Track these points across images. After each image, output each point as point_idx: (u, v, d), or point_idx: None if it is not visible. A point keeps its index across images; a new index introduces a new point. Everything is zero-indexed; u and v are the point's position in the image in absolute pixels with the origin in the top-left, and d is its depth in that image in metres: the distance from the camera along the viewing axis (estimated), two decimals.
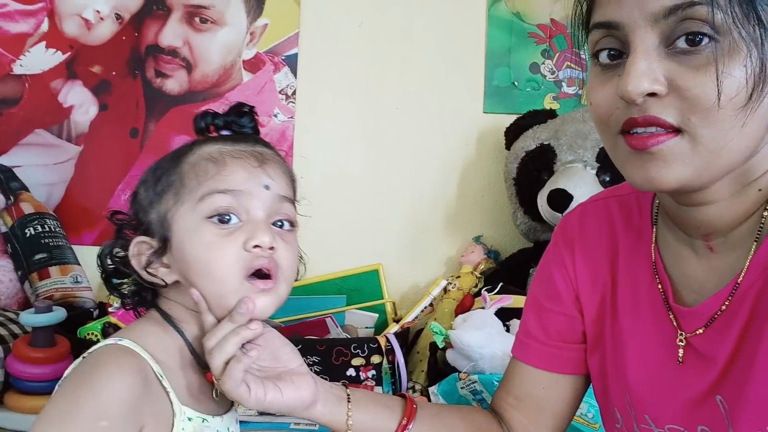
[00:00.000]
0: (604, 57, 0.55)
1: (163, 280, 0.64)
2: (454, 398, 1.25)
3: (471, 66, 1.67)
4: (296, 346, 1.27)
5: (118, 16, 1.68)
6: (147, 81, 1.68)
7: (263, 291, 0.62)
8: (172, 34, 1.67)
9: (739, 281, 0.56)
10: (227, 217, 0.62)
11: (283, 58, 1.68)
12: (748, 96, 0.49)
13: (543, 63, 1.66)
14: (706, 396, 0.59)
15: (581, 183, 1.27)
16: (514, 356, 0.81)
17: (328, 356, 1.30)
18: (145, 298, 0.68)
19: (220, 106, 1.68)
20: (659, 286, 0.63)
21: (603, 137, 0.58)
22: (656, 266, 0.64)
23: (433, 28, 1.67)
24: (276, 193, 0.65)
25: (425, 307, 1.49)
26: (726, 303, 0.57)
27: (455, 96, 1.67)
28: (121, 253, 0.66)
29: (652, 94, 0.51)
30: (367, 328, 1.50)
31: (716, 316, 0.58)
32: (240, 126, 0.68)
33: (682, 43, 0.50)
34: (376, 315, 1.51)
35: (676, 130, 0.51)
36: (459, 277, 1.54)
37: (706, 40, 0.49)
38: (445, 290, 1.51)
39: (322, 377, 1.28)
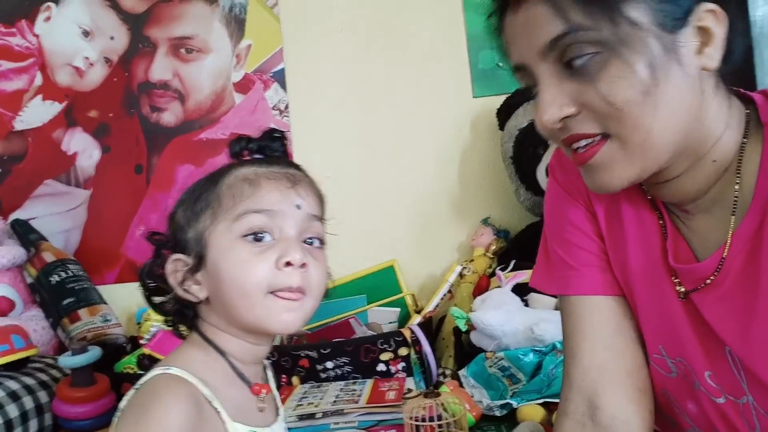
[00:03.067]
0: (532, 89, 0.61)
1: (197, 296, 0.67)
2: (483, 378, 1.28)
3: (454, 53, 1.70)
4: (325, 350, 1.34)
5: (107, 60, 1.73)
6: (144, 117, 1.73)
7: (288, 304, 0.65)
8: (161, 68, 1.72)
9: (724, 254, 0.60)
10: (261, 236, 0.65)
11: (271, 75, 1.72)
12: (647, 84, 0.54)
13: None
14: (709, 344, 0.62)
15: None
16: (566, 294, 0.74)
17: (357, 355, 1.34)
18: (186, 315, 0.70)
19: (217, 132, 1.73)
20: (662, 243, 0.66)
21: (561, 148, 0.64)
22: (662, 223, 0.67)
23: (412, 22, 1.70)
24: (307, 212, 0.69)
25: (444, 295, 1.52)
26: (715, 273, 0.60)
27: (444, 85, 1.70)
28: (159, 271, 0.69)
29: (567, 116, 0.56)
30: (390, 323, 1.53)
31: (707, 280, 0.61)
32: (272, 150, 0.72)
33: (576, 63, 0.55)
34: (398, 309, 1.54)
35: (605, 135, 0.56)
36: (472, 260, 1.57)
37: (590, 56, 0.54)
38: (461, 275, 1.54)
39: (353, 377, 1.35)
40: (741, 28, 0.59)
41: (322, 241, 0.71)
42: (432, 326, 1.50)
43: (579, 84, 0.55)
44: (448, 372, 1.39)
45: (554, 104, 0.56)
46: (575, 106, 0.56)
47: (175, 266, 0.68)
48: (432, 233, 1.69)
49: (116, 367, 1.37)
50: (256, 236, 0.65)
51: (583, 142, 0.57)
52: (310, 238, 0.69)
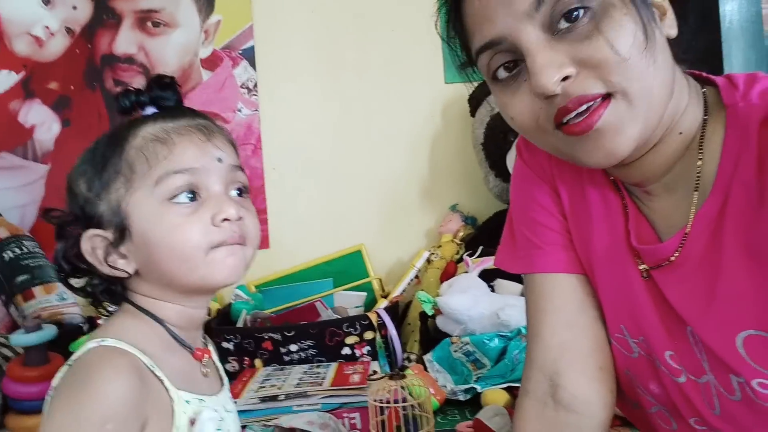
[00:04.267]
0: (502, 73, 0.57)
1: (125, 271, 0.63)
2: (448, 362, 1.28)
3: (427, 38, 1.67)
4: (289, 333, 1.32)
5: (69, 30, 1.66)
6: (106, 92, 1.67)
7: (230, 249, 0.63)
8: (125, 41, 1.66)
9: (687, 231, 0.59)
10: (189, 196, 0.62)
11: (240, 52, 1.68)
12: (644, 36, 0.53)
13: None
14: (670, 323, 0.62)
15: None
16: (530, 272, 0.73)
17: (322, 338, 1.33)
18: (114, 292, 0.66)
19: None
20: (625, 224, 0.66)
21: (539, 141, 0.60)
22: (624, 204, 0.66)
23: (386, 5, 1.68)
24: (228, 164, 0.65)
25: (411, 280, 1.52)
26: (677, 251, 0.60)
27: (416, 70, 1.68)
28: (75, 251, 0.63)
29: (566, 79, 0.53)
30: (356, 307, 1.52)
31: (669, 259, 0.61)
32: (166, 100, 0.66)
33: (563, 24, 0.53)
34: (365, 294, 1.53)
35: (607, 96, 0.53)
36: (440, 246, 1.56)
37: (581, 11, 0.52)
38: (428, 261, 1.54)
39: (318, 360, 1.33)
40: (682, 12, 0.60)
41: (247, 190, 0.68)
42: (398, 311, 1.50)
43: (573, 43, 0.53)
44: (413, 356, 1.39)
45: (552, 65, 0.53)
46: (574, 67, 0.53)
47: (93, 243, 0.63)
48: (401, 218, 1.68)
49: (72, 347, 1.33)
50: (183, 197, 0.62)
51: (585, 106, 0.53)
52: (238, 189, 0.66)
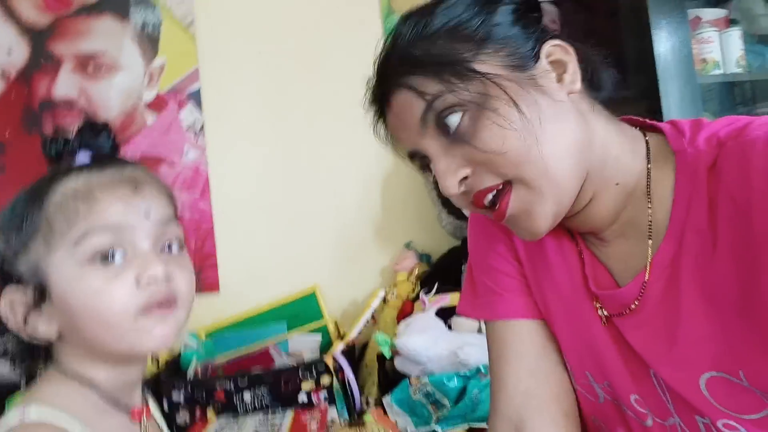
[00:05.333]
0: (427, 171, 0.63)
1: (46, 334, 0.58)
2: (408, 404, 1.25)
3: None
4: (242, 381, 1.28)
5: (4, 74, 1.60)
6: (45, 136, 1.61)
7: (161, 322, 0.58)
8: (65, 85, 1.61)
9: (645, 279, 0.60)
10: (112, 256, 0.57)
11: (186, 95, 1.65)
12: (520, 123, 0.56)
13: None
14: (634, 368, 0.62)
15: None
16: (490, 319, 0.74)
17: (277, 386, 1.28)
18: (36, 353, 0.61)
19: (127, 153, 1.63)
20: (581, 270, 0.66)
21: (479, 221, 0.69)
22: (580, 250, 0.67)
23: (335, 42, 1.69)
24: (158, 218, 0.60)
25: (367, 321, 1.50)
26: (637, 300, 0.61)
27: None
28: None
29: (465, 178, 0.58)
30: (312, 351, 1.48)
31: (629, 307, 0.61)
32: (96, 147, 0.62)
33: (452, 127, 0.57)
34: (320, 337, 1.49)
35: (506, 183, 0.57)
36: (396, 285, 1.55)
37: (458, 113, 0.57)
38: (384, 300, 1.52)
39: (274, 408, 1.28)
40: (599, 57, 0.62)
41: (181, 244, 0.63)
42: (355, 353, 1.47)
43: (463, 146, 0.57)
44: (371, 399, 1.36)
45: (449, 171, 0.57)
46: (469, 166, 0.57)
47: (11, 303, 0.58)
48: (354, 258, 1.67)
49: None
50: (105, 258, 0.57)
51: (490, 196, 0.57)
52: (169, 244, 0.61)
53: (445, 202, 1.47)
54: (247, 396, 1.28)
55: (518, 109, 0.56)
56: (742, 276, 0.53)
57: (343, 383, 1.31)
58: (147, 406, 0.67)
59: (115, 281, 0.57)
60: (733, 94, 1.49)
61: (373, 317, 1.51)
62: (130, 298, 0.57)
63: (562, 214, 0.59)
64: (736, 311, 0.54)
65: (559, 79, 0.59)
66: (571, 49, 0.59)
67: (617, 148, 0.61)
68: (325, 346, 1.49)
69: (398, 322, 1.44)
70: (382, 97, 0.63)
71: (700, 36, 1.39)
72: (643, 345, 0.61)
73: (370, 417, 1.18)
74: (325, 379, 1.30)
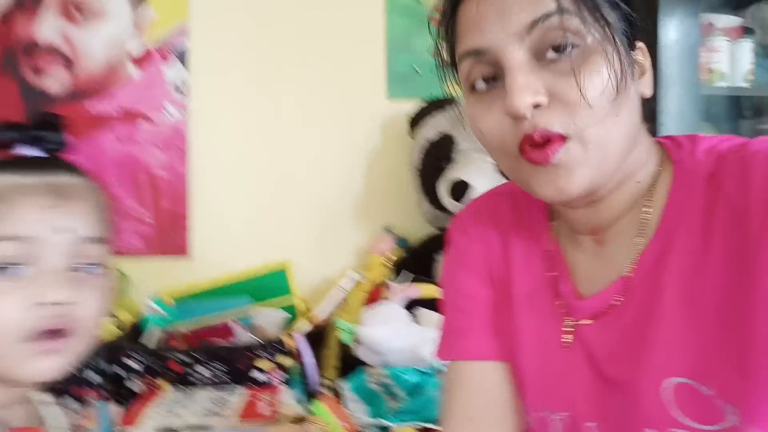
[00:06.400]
0: (480, 85, 0.57)
1: None
2: (364, 393, 1.24)
3: (372, 53, 1.64)
4: (198, 354, 1.25)
5: None
6: (23, 80, 1.55)
7: (49, 352, 0.54)
8: (48, 28, 1.55)
9: (627, 276, 0.59)
10: (13, 269, 0.53)
11: (173, 51, 1.59)
12: (615, 89, 0.53)
13: None
14: (596, 388, 0.61)
15: (479, 172, 1.27)
16: (453, 359, 0.72)
17: (233, 362, 1.26)
18: None
19: (108, 106, 1.59)
20: (553, 273, 0.65)
21: (501, 160, 0.59)
22: (554, 258, 0.66)
23: (332, 16, 1.62)
24: (78, 236, 0.56)
25: (335, 301, 1.47)
26: (614, 299, 0.60)
27: (358, 82, 1.63)
28: None
29: (537, 106, 0.53)
30: (277, 327, 1.45)
31: (605, 309, 0.60)
32: (50, 144, 0.59)
33: (550, 54, 0.53)
34: (286, 313, 1.47)
35: (563, 138, 0.53)
36: (369, 268, 1.52)
37: (569, 47, 0.53)
38: (355, 283, 1.49)
39: (228, 384, 1.26)
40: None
41: (99, 267, 0.58)
42: (321, 333, 1.44)
43: (553, 74, 0.53)
44: (329, 383, 1.34)
45: (529, 89, 0.52)
46: (547, 96, 0.53)
47: None
48: (331, 235, 1.63)
49: None
50: (5, 269, 0.53)
51: (547, 140, 0.54)
52: (81, 265, 0.57)
53: (427, 191, 1.43)
54: (202, 370, 1.26)
55: (618, 78, 0.53)
56: (730, 285, 0.53)
57: (301, 365, 1.29)
58: (38, 427, 0.62)
59: (8, 296, 0.52)
60: (738, 107, 1.43)
61: (342, 298, 1.48)
62: (14, 321, 0.52)
63: (595, 189, 0.57)
64: (717, 319, 0.53)
65: (639, 78, 0.58)
66: (648, 56, 0.59)
67: (646, 154, 0.60)
68: (291, 323, 1.47)
69: (366, 307, 1.42)
70: None
71: (710, 44, 1.32)
72: (614, 347, 0.59)
73: (321, 406, 1.16)
74: (283, 360, 1.28)
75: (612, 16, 0.54)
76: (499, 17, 0.53)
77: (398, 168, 1.61)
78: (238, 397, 1.21)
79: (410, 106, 1.56)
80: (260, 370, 1.27)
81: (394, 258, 1.54)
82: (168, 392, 1.23)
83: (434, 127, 1.43)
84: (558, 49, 0.53)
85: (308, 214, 1.63)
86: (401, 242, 1.58)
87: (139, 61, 1.58)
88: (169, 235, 1.58)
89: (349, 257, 1.63)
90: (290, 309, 1.52)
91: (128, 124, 1.57)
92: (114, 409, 1.25)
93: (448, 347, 0.72)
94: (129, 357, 1.26)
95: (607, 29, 0.53)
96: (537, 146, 0.54)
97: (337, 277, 1.57)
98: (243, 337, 1.36)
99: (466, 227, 0.73)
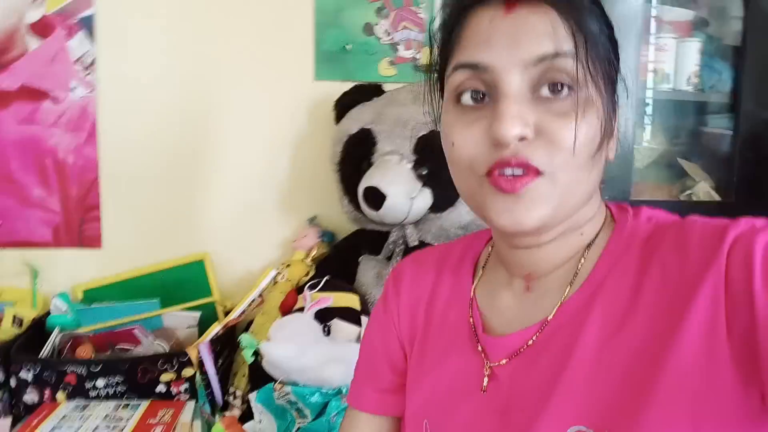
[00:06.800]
0: (467, 98, 0.56)
1: None
2: (272, 407, 1.20)
3: (298, 28, 1.49)
4: (95, 367, 1.19)
5: None
6: None
7: None
8: None
9: (548, 319, 0.59)
10: None
11: (77, 20, 1.43)
12: (597, 146, 0.54)
13: (377, 23, 1.50)
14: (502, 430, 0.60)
15: (396, 180, 1.18)
16: (350, 405, 0.77)
17: (133, 375, 1.20)
18: None
19: (4, 80, 1.45)
20: (471, 320, 0.65)
21: (463, 178, 0.58)
22: (472, 304, 0.66)
23: None
24: None
25: (253, 300, 1.40)
26: (533, 339, 0.59)
27: (283, 62, 1.50)
28: None
29: (522, 138, 0.53)
30: (189, 328, 1.39)
31: (521, 349, 0.60)
32: None
33: (545, 91, 0.53)
34: (199, 313, 1.40)
35: (537, 172, 0.53)
36: (289, 265, 1.44)
37: (566, 89, 0.53)
38: (274, 281, 1.42)
39: (129, 396, 1.22)
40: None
41: None
42: (235, 335, 1.38)
43: (545, 111, 0.53)
44: (239, 393, 1.29)
45: (520, 120, 0.52)
46: (533, 131, 0.53)
47: None
48: (253, 226, 1.54)
49: None
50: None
51: (519, 171, 0.53)
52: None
53: (347, 190, 1.34)
54: (101, 382, 1.21)
55: (603, 135, 0.55)
56: (648, 342, 0.53)
57: (207, 376, 1.24)
58: None
59: None
60: (681, 108, 1.33)
61: (260, 296, 1.41)
62: None
63: (546, 228, 0.57)
64: (625, 372, 0.53)
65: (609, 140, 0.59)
66: (618, 121, 0.60)
67: (595, 208, 0.61)
68: (207, 321, 1.41)
69: (281, 311, 1.35)
70: None
71: (656, 41, 1.21)
72: (523, 390, 0.59)
73: (220, 427, 1.12)
74: (188, 371, 1.22)
75: (608, 73, 0.55)
76: (510, 41, 0.53)
77: (326, 155, 1.50)
78: (138, 412, 1.16)
79: (338, 88, 1.44)
80: (163, 383, 1.22)
81: (317, 254, 1.46)
82: (64, 405, 1.18)
83: (357, 120, 1.32)
84: (554, 89, 0.53)
85: (229, 203, 1.53)
86: (327, 236, 1.50)
87: (39, 32, 1.43)
88: (79, 226, 1.48)
89: (273, 250, 1.55)
90: (210, 306, 1.46)
91: (30, 103, 1.44)
92: (3, 423, 1.20)
93: (351, 392, 0.76)
94: (23, 368, 1.19)
95: (603, 84, 0.54)
96: (508, 174, 0.54)
97: (260, 271, 1.50)
98: (148, 344, 1.30)
99: (400, 278, 0.74)
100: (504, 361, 0.60)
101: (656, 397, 0.51)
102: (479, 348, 0.63)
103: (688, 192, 1.28)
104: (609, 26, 0.57)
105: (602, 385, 0.54)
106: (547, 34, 0.52)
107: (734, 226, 0.52)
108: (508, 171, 0.53)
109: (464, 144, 0.56)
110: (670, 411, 0.50)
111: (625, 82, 0.59)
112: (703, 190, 1.24)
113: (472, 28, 0.55)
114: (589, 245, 0.60)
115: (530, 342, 0.59)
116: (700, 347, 0.50)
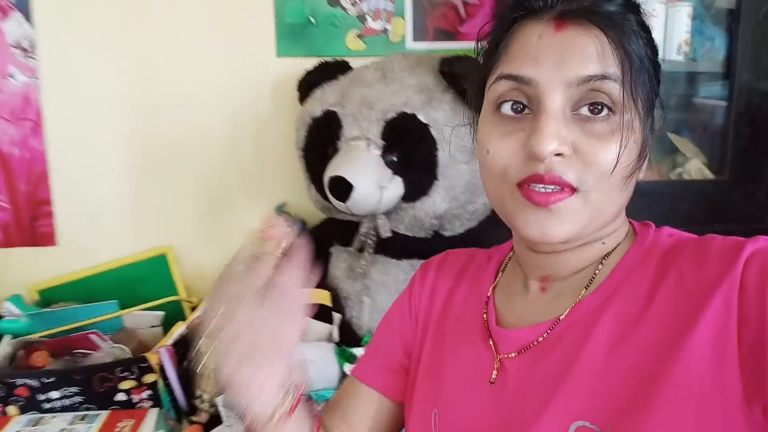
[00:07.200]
0: (507, 108, 0.58)
1: None
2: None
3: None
4: (48, 379, 1.12)
5: None
6: None
7: None
8: None
9: (561, 317, 0.60)
10: None
11: (11, 1, 1.31)
12: (632, 168, 0.56)
13: None
14: (506, 424, 0.61)
15: (363, 169, 1.08)
16: (353, 376, 0.77)
17: (90, 384, 1.13)
18: None
19: None
20: (484, 315, 0.67)
21: (495, 186, 0.60)
22: (488, 302, 0.68)
23: None
24: None
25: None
26: (544, 335, 0.61)
27: (242, 38, 1.39)
28: None
29: (558, 154, 0.55)
30: (152, 327, 1.32)
31: (532, 344, 0.61)
32: None
33: (585, 111, 0.55)
34: (162, 313, 1.32)
35: (572, 189, 0.55)
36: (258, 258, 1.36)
37: (605, 111, 0.55)
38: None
39: (87, 407, 1.14)
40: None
41: None
42: (200, 335, 1.31)
43: (582, 131, 0.55)
44: (206, 396, 1.22)
45: (558, 137, 0.54)
46: (571, 149, 0.55)
47: None
48: (219, 216, 1.45)
49: None
50: None
51: (551, 187, 0.55)
52: None
53: (314, 178, 1.25)
54: (55, 394, 1.13)
55: (638, 160, 0.57)
56: (659, 345, 0.54)
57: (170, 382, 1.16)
58: None
59: None
60: (671, 79, 1.24)
61: None
62: None
63: (574, 241, 0.60)
64: (635, 373, 0.54)
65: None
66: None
67: (620, 223, 0.63)
68: (171, 319, 1.33)
69: None
70: (559, 3, 0.56)
71: (643, 6, 1.11)
72: (531, 384, 0.60)
73: None
74: (149, 378, 1.15)
75: (652, 100, 0.57)
76: (558, 58, 0.55)
77: (292, 137, 1.39)
78: (96, 424, 1.09)
79: (302, 64, 1.33)
80: (123, 391, 1.15)
81: (287, 246, 1.37)
82: (15, 421, 1.11)
83: (321, 101, 1.21)
84: (595, 109, 0.54)
85: (191, 192, 1.44)
86: (297, 226, 1.41)
87: None
88: (30, 223, 1.38)
89: (239, 241, 1.45)
90: (176, 304, 1.38)
91: None
92: None
93: (357, 366, 0.77)
94: None
95: (644, 109, 0.56)
96: (543, 188, 0.55)
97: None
98: (107, 349, 1.22)
99: (426, 272, 0.76)
100: (513, 354, 0.62)
101: (661, 398, 0.52)
102: (491, 341, 0.64)
103: (678, 170, 1.20)
104: (654, 51, 0.58)
105: (608, 384, 0.55)
106: (594, 57, 0.54)
107: (753, 242, 0.54)
108: (539, 187, 0.55)
109: (500, 153, 0.57)
110: (675, 412, 0.51)
111: (662, 105, 0.60)
112: (695, 167, 1.16)
113: (521, 42, 0.57)
114: (608, 254, 0.62)
115: (541, 338, 0.61)
116: (710, 353, 0.51)
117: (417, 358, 0.72)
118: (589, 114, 0.55)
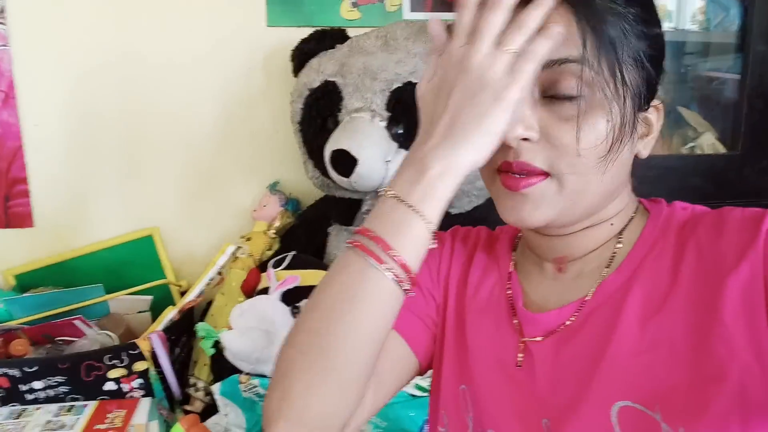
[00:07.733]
0: None
1: None
2: (239, 400, 1.08)
3: None
4: (30, 368, 1.05)
5: None
6: None
7: None
8: None
9: (586, 299, 0.60)
10: None
11: None
12: (608, 147, 0.55)
13: None
14: (536, 408, 0.61)
15: (367, 142, 1.02)
16: None
17: (76, 373, 1.06)
18: None
19: None
20: (509, 292, 0.66)
21: (482, 169, 0.59)
22: (510, 279, 0.68)
23: None
24: None
25: (211, 280, 1.25)
26: (571, 318, 0.61)
27: (230, 7, 1.31)
28: None
29: (526, 139, 0.55)
30: (141, 312, 1.25)
31: (559, 328, 0.61)
32: None
33: (553, 93, 0.55)
34: (150, 297, 1.25)
35: (545, 174, 0.56)
36: (250, 239, 1.29)
37: (576, 94, 0.54)
38: (234, 258, 1.27)
39: (73, 397, 1.08)
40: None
41: None
42: (193, 320, 1.24)
43: (551, 114, 0.55)
44: (201, 385, 1.16)
45: (523, 122, 0.54)
46: (538, 134, 0.55)
47: None
48: (208, 195, 1.38)
49: None
50: None
51: (524, 173, 0.56)
52: None
53: (311, 152, 1.19)
54: (38, 384, 1.06)
55: (616, 137, 0.55)
56: (692, 319, 0.54)
57: (162, 369, 1.10)
58: None
59: None
60: (683, 50, 1.20)
61: (220, 274, 1.27)
62: None
63: (557, 225, 0.60)
64: (675, 350, 0.54)
65: (641, 137, 0.59)
66: (662, 115, 0.60)
67: (624, 202, 0.62)
68: (160, 304, 1.26)
69: (243, 291, 1.22)
70: None
71: None
72: (563, 368, 0.60)
73: (180, 428, 0.99)
74: (139, 365, 1.09)
75: (633, 76, 0.55)
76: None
77: (285, 112, 1.33)
78: (84, 415, 1.03)
79: (295, 34, 1.26)
80: (112, 379, 1.08)
81: (280, 225, 1.31)
82: None
83: (318, 71, 1.15)
84: (561, 93, 0.54)
85: (179, 170, 1.36)
86: (292, 205, 1.35)
87: None
88: (4, 203, 1.29)
89: (232, 220, 1.39)
90: (163, 288, 1.31)
91: None
92: None
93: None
94: None
95: (621, 89, 0.54)
96: (513, 173, 0.56)
97: (219, 244, 1.35)
98: (93, 336, 1.15)
99: (455, 237, 0.75)
100: (540, 338, 0.62)
101: (706, 372, 0.52)
102: (515, 321, 0.64)
103: (690, 145, 1.17)
104: (650, 25, 0.55)
105: (648, 362, 0.55)
106: (571, 33, 0.52)
107: None
108: (511, 173, 0.56)
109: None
110: (721, 384, 0.51)
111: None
112: (708, 141, 1.13)
113: None
114: (621, 232, 0.62)
115: (568, 322, 0.60)
116: (743, 323, 0.51)
117: (442, 325, 0.71)
118: (556, 96, 0.54)
